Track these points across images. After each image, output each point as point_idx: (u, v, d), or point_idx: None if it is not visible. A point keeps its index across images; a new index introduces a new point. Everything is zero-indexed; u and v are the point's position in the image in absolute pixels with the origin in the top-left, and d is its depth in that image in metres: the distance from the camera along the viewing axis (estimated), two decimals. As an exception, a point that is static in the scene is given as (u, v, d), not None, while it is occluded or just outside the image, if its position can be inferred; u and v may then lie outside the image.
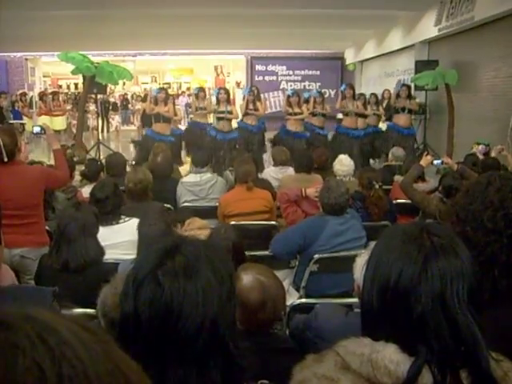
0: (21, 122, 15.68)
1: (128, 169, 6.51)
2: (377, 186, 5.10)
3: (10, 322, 0.54)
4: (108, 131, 21.49)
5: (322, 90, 16.72)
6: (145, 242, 3.43)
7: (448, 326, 1.19)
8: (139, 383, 0.58)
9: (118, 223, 4.12)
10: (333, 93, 21.38)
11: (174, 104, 11.40)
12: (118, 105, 23.21)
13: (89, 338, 0.57)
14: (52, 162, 4.88)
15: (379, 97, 13.61)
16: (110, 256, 3.66)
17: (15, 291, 1.96)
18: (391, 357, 1.18)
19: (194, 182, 6.06)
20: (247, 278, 2.25)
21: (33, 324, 0.54)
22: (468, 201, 1.75)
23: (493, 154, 7.01)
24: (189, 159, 8.85)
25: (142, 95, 21.47)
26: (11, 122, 14.41)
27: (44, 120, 18.14)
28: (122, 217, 4.17)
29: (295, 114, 10.92)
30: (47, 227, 4.37)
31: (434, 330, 1.19)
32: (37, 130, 4.76)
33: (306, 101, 11.59)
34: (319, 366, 1.27)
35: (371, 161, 11.89)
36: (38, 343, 0.53)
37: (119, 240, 3.97)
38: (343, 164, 6.11)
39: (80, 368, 0.53)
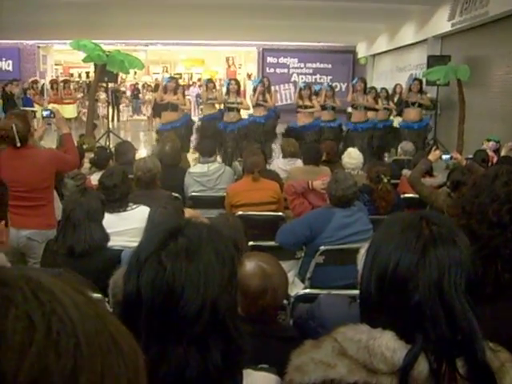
0: (32, 109, 15.73)
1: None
2: (385, 180, 5.09)
3: (7, 278, 0.56)
4: (118, 120, 21.53)
5: (334, 84, 16.72)
6: (151, 226, 3.45)
7: (445, 315, 1.20)
8: (128, 347, 0.60)
9: (125, 210, 4.13)
10: (344, 86, 21.30)
11: (183, 94, 11.40)
12: (128, 94, 23.24)
13: (82, 300, 0.58)
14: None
15: (391, 91, 13.56)
16: (117, 243, 3.68)
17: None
18: (388, 344, 1.19)
19: (202, 173, 6.06)
20: (250, 264, 2.27)
21: (28, 282, 0.56)
22: (474, 193, 1.75)
23: (503, 151, 6.95)
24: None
25: (153, 85, 21.52)
26: (22, 108, 14.47)
27: (54, 108, 18.24)
28: (130, 204, 4.19)
29: (306, 107, 10.91)
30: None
31: (431, 318, 1.20)
32: (46, 113, 4.76)
33: (317, 93, 11.57)
34: (317, 351, 1.28)
35: (385, 155, 11.86)
36: (31, 298, 0.54)
37: (127, 227, 3.99)
38: (352, 157, 6.10)
39: (69, 324, 0.54)
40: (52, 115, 4.68)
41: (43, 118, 4.65)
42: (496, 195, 1.69)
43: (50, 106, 18.06)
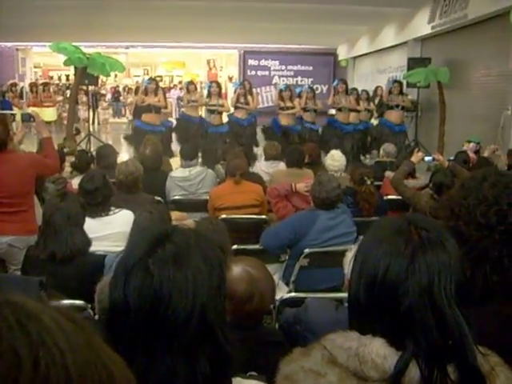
0: (11, 112, 15.54)
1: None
2: (368, 182, 5.09)
3: None
4: (99, 123, 21.39)
5: (314, 86, 16.75)
6: (136, 231, 3.41)
7: (435, 320, 1.18)
8: (122, 377, 0.57)
9: (107, 215, 4.09)
10: (325, 88, 21.38)
11: (164, 95, 11.35)
12: (109, 97, 23.11)
13: (71, 327, 0.55)
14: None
15: (371, 93, 13.63)
16: (99, 248, 3.64)
17: (1, 281, 1.93)
18: (378, 351, 1.18)
19: (184, 177, 6.01)
20: (236, 269, 2.24)
21: (13, 309, 0.53)
22: (462, 195, 1.74)
23: (486, 154, 7.02)
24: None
25: (134, 88, 21.40)
26: (1, 112, 14.29)
27: (33, 111, 18.05)
28: (112, 208, 4.14)
29: (287, 108, 10.93)
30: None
31: (421, 324, 1.18)
32: (26, 118, 4.67)
33: (299, 95, 11.60)
34: (306, 359, 1.26)
35: (362, 157, 11.89)
36: (16, 328, 0.51)
37: (109, 231, 3.95)
38: (335, 159, 6.10)
39: (58, 356, 0.51)
40: (32, 119, 4.61)
41: (23, 121, 4.55)
42: (484, 197, 1.68)
43: (30, 110, 17.91)
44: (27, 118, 4.61)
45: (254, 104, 11.18)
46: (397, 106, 11.55)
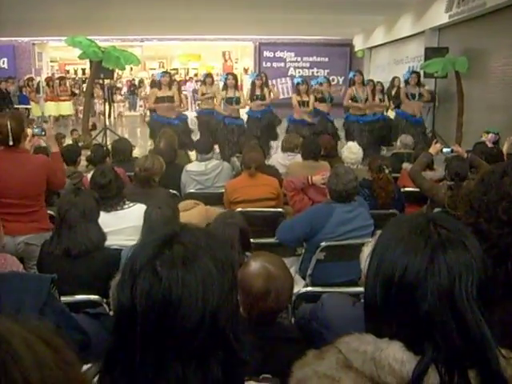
0: (26, 106, 15.64)
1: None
2: (386, 171, 5.04)
3: None
4: (115, 117, 21.49)
5: (331, 77, 16.63)
6: (149, 226, 3.39)
7: (456, 324, 1.12)
8: None
9: (122, 209, 4.09)
10: (341, 80, 21.24)
11: (179, 90, 11.29)
12: (125, 90, 23.17)
13: (49, 356, 0.50)
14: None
15: (388, 84, 13.50)
16: (114, 242, 3.64)
17: (14, 278, 1.92)
18: (396, 355, 1.12)
19: (200, 172, 5.97)
20: (255, 264, 2.22)
21: None
22: (482, 191, 1.67)
23: (506, 145, 6.89)
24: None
25: (149, 81, 21.43)
26: (16, 106, 14.39)
27: (51, 105, 18.18)
28: (127, 202, 4.14)
29: (303, 102, 10.80)
30: (52, 212, 4.34)
31: (441, 327, 1.13)
32: (37, 131, 4.60)
33: (320, 84, 11.53)
34: (320, 363, 1.21)
35: (383, 148, 11.79)
36: None
37: (124, 226, 3.95)
38: (352, 151, 6.03)
39: (18, 374, 0.46)
40: (43, 133, 4.57)
41: (33, 135, 4.51)
42: (505, 192, 1.61)
43: (47, 105, 18.04)
44: (39, 132, 4.57)
45: (273, 96, 11.10)
46: (413, 96, 11.39)
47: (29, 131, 4.37)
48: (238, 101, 10.65)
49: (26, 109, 15.58)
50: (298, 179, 4.99)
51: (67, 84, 19.44)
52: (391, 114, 12.53)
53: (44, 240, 3.57)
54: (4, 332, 0.50)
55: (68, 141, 9.13)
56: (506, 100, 10.67)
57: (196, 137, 10.59)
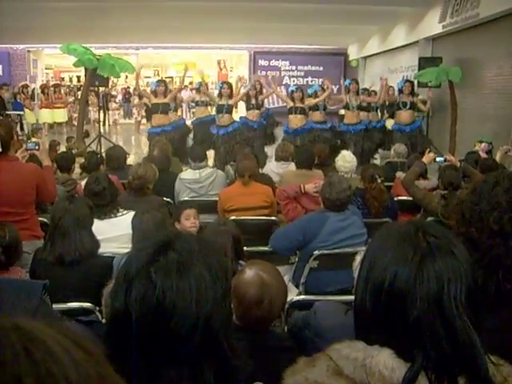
0: (18, 113, 15.58)
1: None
2: (379, 181, 5.05)
3: None
4: (109, 124, 21.47)
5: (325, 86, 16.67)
6: (137, 233, 3.39)
7: (445, 331, 1.14)
8: None
9: (116, 216, 4.09)
10: (335, 89, 21.28)
11: (175, 98, 11.29)
12: (120, 98, 23.14)
13: (82, 356, 0.52)
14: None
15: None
16: (107, 249, 3.63)
17: (5, 284, 1.91)
18: (386, 362, 1.13)
19: (194, 180, 5.97)
20: (249, 272, 2.22)
21: (20, 335, 0.49)
22: (474, 200, 1.68)
23: (498, 155, 6.92)
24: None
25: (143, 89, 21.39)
26: (8, 112, 14.34)
27: (45, 113, 18.15)
28: (121, 210, 4.14)
29: (297, 108, 10.83)
30: (45, 220, 4.33)
31: (431, 334, 1.14)
32: (30, 146, 4.56)
33: (310, 97, 11.55)
34: (311, 370, 1.22)
35: (379, 151, 11.82)
36: (22, 356, 0.47)
37: (117, 233, 3.94)
38: (346, 160, 6.05)
39: None
40: (36, 147, 4.56)
41: (27, 150, 4.50)
42: (497, 203, 1.61)
43: (42, 112, 18.01)
44: (33, 146, 4.56)
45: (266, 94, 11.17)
46: (404, 104, 11.43)
47: (21, 150, 4.37)
48: (228, 109, 10.65)
49: (19, 115, 15.53)
50: (291, 188, 5.00)
51: (62, 91, 19.43)
52: (389, 122, 12.53)
53: (35, 247, 3.57)
54: (39, 333, 0.51)
55: (63, 148, 9.12)
56: (499, 110, 10.73)
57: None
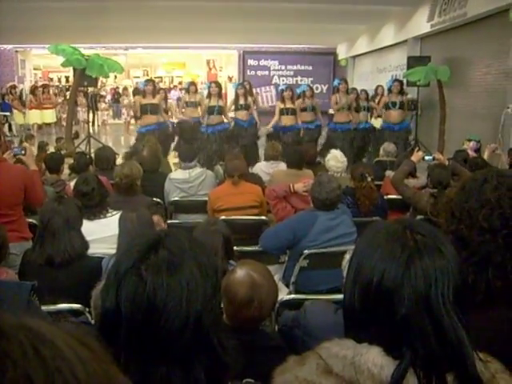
0: (4, 113, 15.49)
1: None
2: (369, 179, 5.06)
3: (3, 328, 0.50)
4: (99, 125, 21.39)
5: (314, 86, 16.71)
6: (124, 232, 3.37)
7: (433, 328, 1.15)
8: None
9: (105, 217, 4.08)
10: (325, 88, 21.36)
11: (166, 99, 11.27)
12: (109, 98, 23.07)
13: (88, 354, 0.53)
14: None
15: (372, 92, 13.62)
16: (97, 250, 3.62)
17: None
18: (375, 360, 1.14)
19: (183, 179, 5.96)
20: (240, 272, 2.22)
21: (27, 333, 0.50)
22: (463, 198, 1.68)
23: (486, 153, 6.96)
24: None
25: (132, 89, 21.34)
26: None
27: (34, 113, 18.07)
28: (110, 210, 4.13)
29: (287, 109, 10.83)
30: (34, 221, 4.31)
31: (419, 332, 1.15)
32: (16, 151, 4.55)
33: (299, 96, 11.55)
34: (300, 368, 1.22)
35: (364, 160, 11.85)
36: (31, 354, 0.48)
37: (107, 234, 3.92)
38: (338, 160, 6.05)
39: None
40: (23, 152, 4.53)
41: (15, 156, 4.49)
42: (486, 200, 1.62)
43: (31, 113, 17.92)
44: (19, 151, 4.53)
45: (253, 107, 11.05)
46: (394, 104, 11.47)
47: (7, 153, 4.35)
48: (219, 110, 10.61)
49: (5, 116, 15.44)
50: (280, 187, 5.00)
51: (51, 92, 19.33)
52: (377, 122, 12.58)
53: (24, 249, 3.55)
54: (46, 332, 0.52)
55: (52, 149, 9.08)
56: (487, 108, 10.80)
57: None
